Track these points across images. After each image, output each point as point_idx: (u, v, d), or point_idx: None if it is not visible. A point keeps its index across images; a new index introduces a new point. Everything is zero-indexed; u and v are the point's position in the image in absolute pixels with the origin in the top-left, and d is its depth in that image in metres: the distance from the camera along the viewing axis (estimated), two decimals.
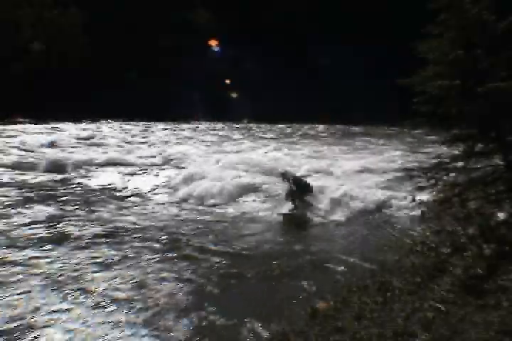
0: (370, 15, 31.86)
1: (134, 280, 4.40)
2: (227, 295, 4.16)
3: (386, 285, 3.49)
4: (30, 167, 11.26)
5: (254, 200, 8.30)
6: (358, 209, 7.26)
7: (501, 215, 4.05)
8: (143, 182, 9.90)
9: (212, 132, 24.31)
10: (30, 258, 4.95)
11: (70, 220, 6.66)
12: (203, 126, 28.94)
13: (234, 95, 39.98)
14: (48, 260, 4.92)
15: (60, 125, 23.51)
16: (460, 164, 3.93)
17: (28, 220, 6.57)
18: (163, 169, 11.67)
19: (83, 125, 24.38)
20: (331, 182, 8.59)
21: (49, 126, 22.71)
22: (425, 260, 3.85)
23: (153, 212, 7.46)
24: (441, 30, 3.81)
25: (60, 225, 6.37)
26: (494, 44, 3.68)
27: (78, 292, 4.10)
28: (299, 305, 3.75)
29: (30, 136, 17.69)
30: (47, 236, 5.85)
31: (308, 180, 8.02)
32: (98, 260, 4.97)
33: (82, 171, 11.24)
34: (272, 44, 34.69)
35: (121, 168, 11.60)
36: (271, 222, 6.95)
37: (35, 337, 3.37)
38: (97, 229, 6.21)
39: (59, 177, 10.42)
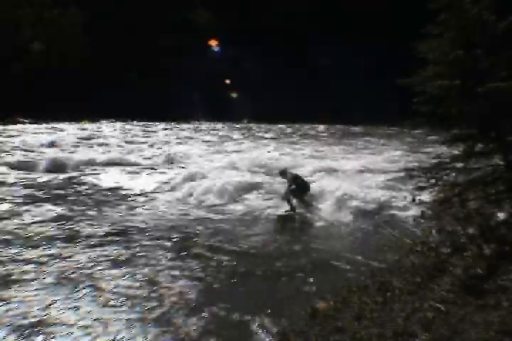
0: (370, 15, 31.89)
1: (145, 278, 4.47)
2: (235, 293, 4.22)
3: (386, 285, 3.49)
4: (32, 167, 11.31)
5: (254, 200, 8.29)
6: (358, 209, 7.26)
7: (501, 215, 4.05)
8: (146, 182, 9.92)
9: (212, 132, 24.32)
10: (42, 256, 5.03)
11: (79, 219, 6.76)
12: (203, 126, 28.96)
13: (234, 95, 40.03)
14: (60, 258, 5.00)
15: (60, 125, 23.54)
16: (460, 164, 3.93)
17: (38, 219, 6.67)
18: (165, 169, 11.69)
19: (83, 125, 24.37)
20: (331, 182, 8.59)
21: (49, 126, 22.72)
22: (425, 260, 3.85)
23: (158, 211, 7.53)
24: (441, 30, 3.81)
25: (70, 224, 6.47)
26: (494, 44, 3.68)
27: (90, 289, 4.18)
28: (300, 304, 3.75)
29: (31, 136, 17.72)
30: (58, 234, 5.94)
31: (309, 179, 8.02)
32: (109, 258, 5.04)
33: (84, 171, 11.25)
34: (272, 44, 34.73)
35: (123, 168, 11.63)
36: (271, 222, 6.97)
37: (48, 334, 3.41)
38: (107, 228, 6.29)
39: (62, 176, 10.47)
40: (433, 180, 3.96)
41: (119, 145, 16.54)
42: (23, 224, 6.40)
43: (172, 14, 37.96)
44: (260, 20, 36.04)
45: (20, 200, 7.83)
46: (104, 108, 28.38)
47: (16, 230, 6.08)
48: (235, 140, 20.01)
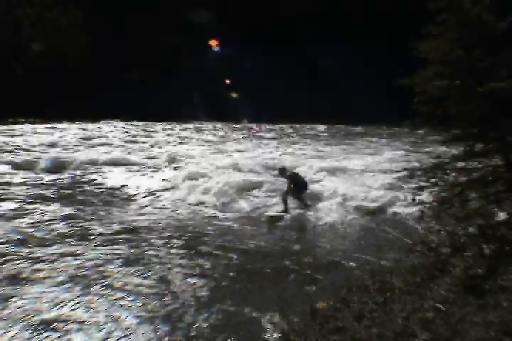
0: (370, 15, 31.86)
1: (156, 276, 4.53)
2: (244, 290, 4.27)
3: (386, 285, 3.49)
4: (36, 167, 11.32)
5: (254, 199, 8.32)
6: (358, 209, 7.28)
7: (501, 215, 4.05)
8: (150, 182, 10.00)
9: (212, 132, 24.32)
10: (54, 254, 5.09)
11: (88, 218, 6.84)
12: (204, 126, 28.95)
13: (234, 95, 39.99)
14: (72, 256, 5.07)
15: (61, 125, 23.53)
16: (460, 164, 3.93)
17: (47, 218, 6.74)
18: (166, 169, 11.72)
19: (83, 125, 24.37)
20: (333, 182, 8.60)
21: (49, 125, 22.71)
22: (425, 260, 3.85)
23: (165, 210, 7.65)
24: (441, 30, 3.80)
25: (80, 223, 6.54)
26: (494, 44, 3.68)
27: (102, 287, 4.23)
28: (303, 302, 3.80)
29: (31, 136, 17.72)
30: (68, 233, 6.02)
31: (310, 178, 8.04)
32: (120, 256, 5.10)
33: (86, 171, 11.28)
34: (272, 44, 34.68)
35: (125, 168, 11.67)
36: (274, 221, 7.00)
37: (60, 330, 3.46)
38: (117, 227, 6.36)
39: (67, 176, 10.53)
40: (433, 180, 3.96)
41: (119, 145, 16.54)
42: (34, 223, 6.46)
43: (172, 14, 37.94)
44: (260, 21, 36.01)
45: (29, 200, 7.87)
46: (104, 108, 28.34)
47: (27, 229, 6.14)
48: (235, 140, 20.02)
